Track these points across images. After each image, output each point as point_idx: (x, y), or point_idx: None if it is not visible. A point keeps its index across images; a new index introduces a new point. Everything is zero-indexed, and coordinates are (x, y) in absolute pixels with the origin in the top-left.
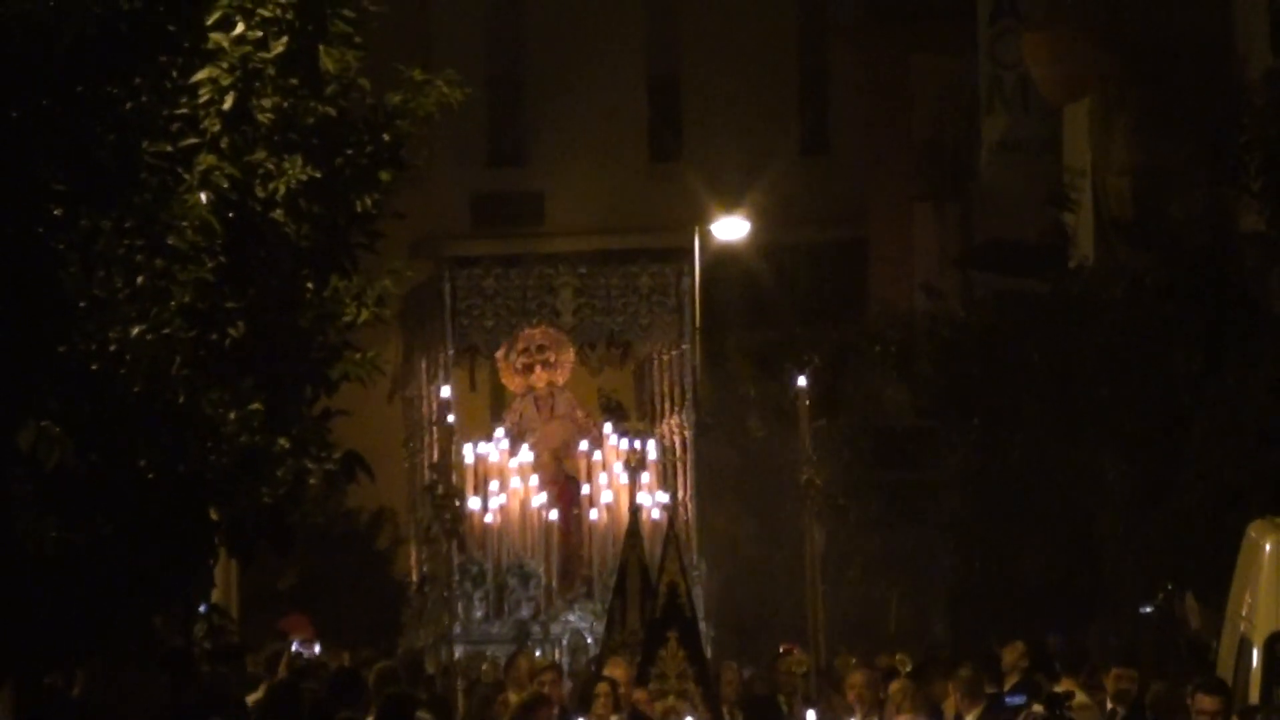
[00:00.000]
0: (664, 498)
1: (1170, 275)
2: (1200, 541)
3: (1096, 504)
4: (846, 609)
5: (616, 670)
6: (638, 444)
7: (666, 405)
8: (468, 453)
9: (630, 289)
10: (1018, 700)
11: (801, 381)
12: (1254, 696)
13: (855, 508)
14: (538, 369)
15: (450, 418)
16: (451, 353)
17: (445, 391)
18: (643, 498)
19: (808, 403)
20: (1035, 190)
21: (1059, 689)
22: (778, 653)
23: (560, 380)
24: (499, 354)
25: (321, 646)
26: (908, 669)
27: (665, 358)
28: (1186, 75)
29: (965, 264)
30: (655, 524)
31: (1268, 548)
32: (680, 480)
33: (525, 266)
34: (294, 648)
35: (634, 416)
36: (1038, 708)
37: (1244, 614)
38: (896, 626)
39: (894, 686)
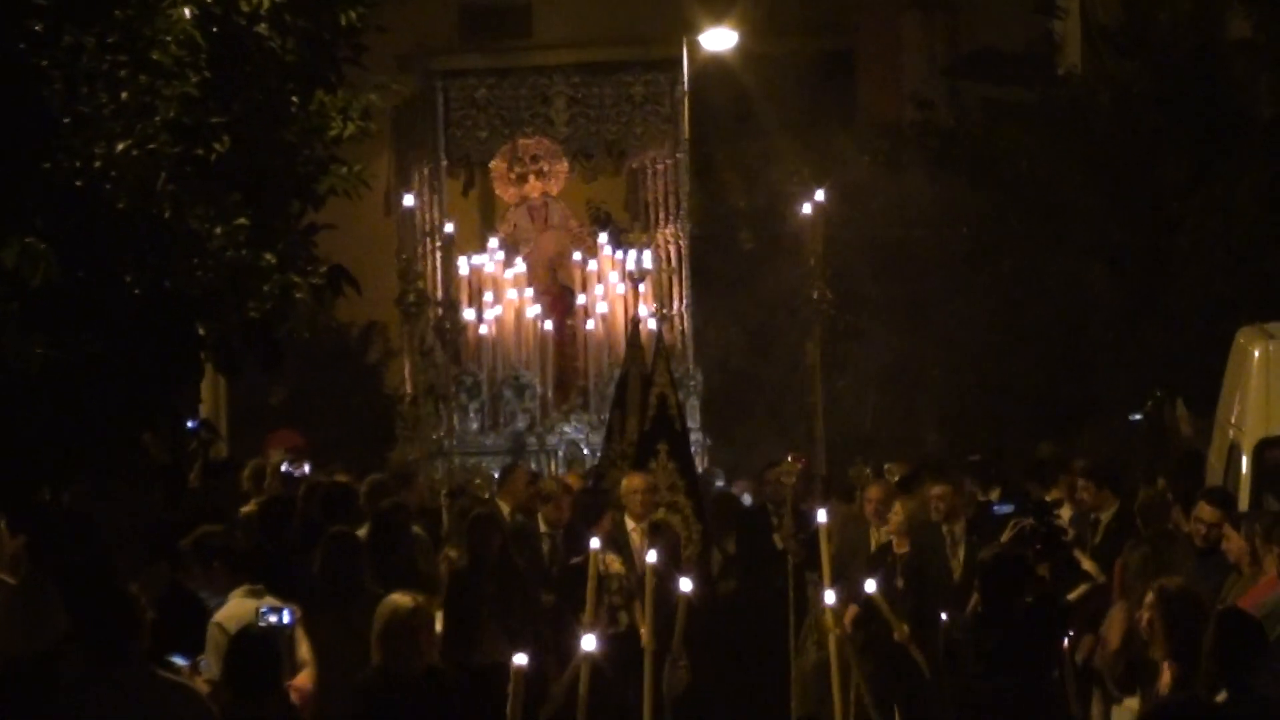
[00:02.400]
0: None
1: (1158, 83)
2: (1190, 349)
3: (1086, 313)
4: (838, 421)
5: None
6: (633, 254)
7: (660, 215)
8: (462, 264)
9: (624, 98)
10: (1006, 509)
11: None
12: (1244, 503)
13: (845, 318)
14: (531, 179)
15: (448, 227)
16: (444, 163)
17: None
18: (640, 309)
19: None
20: None
21: (1048, 498)
22: (768, 463)
23: (554, 190)
24: (492, 164)
25: (311, 465)
26: (896, 478)
27: (659, 167)
28: None
29: (953, 73)
30: (651, 334)
31: (1257, 355)
32: (676, 291)
33: (518, 76)
34: (283, 468)
35: (628, 226)
36: (1028, 521)
37: (1233, 421)
38: (889, 437)
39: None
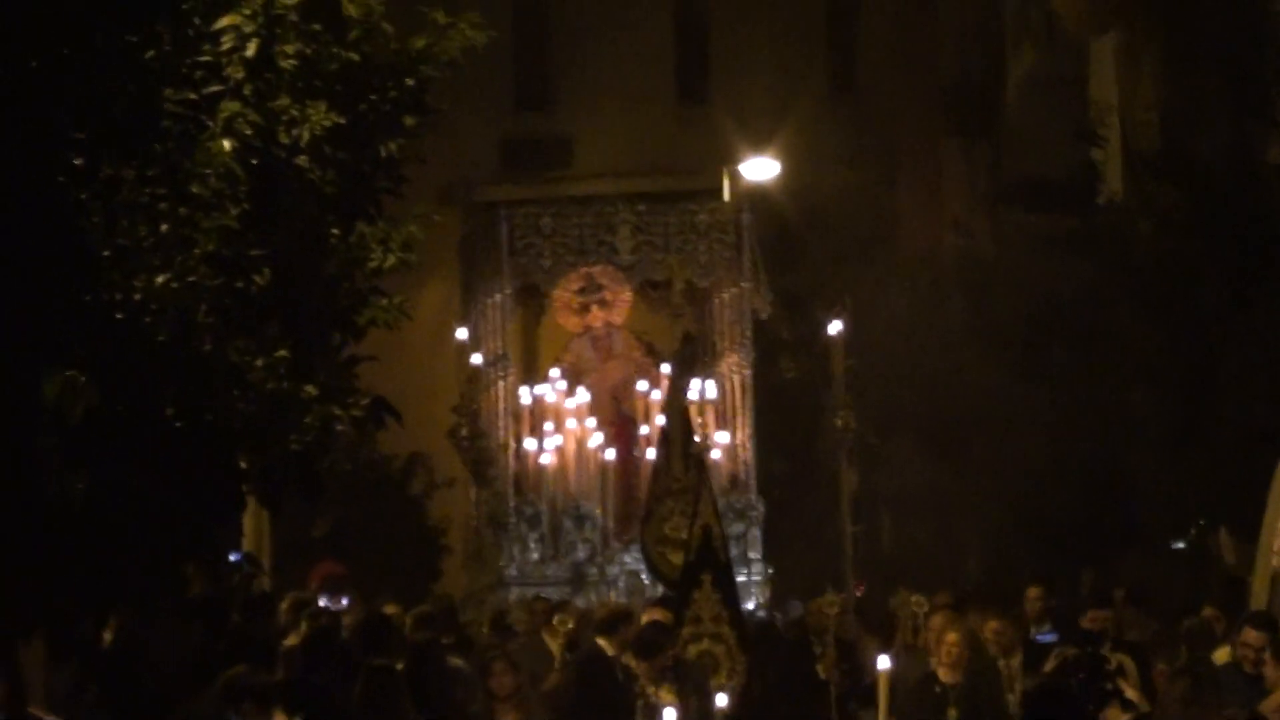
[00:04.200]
0: (723, 438)
1: (1199, 210)
2: (1232, 476)
3: (1127, 441)
4: (880, 548)
5: (656, 614)
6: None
7: (725, 345)
8: (524, 394)
9: (689, 226)
10: (1049, 638)
11: (837, 327)
12: None
13: (887, 447)
14: (594, 308)
15: (477, 359)
16: (509, 292)
17: (462, 334)
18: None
19: (841, 347)
20: (1063, 126)
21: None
22: (811, 594)
23: (617, 320)
24: (555, 293)
25: (350, 599)
26: (925, 610)
27: (725, 296)
28: (1213, 8)
29: (994, 201)
30: (715, 464)
31: None
32: (740, 420)
33: (582, 205)
34: (321, 602)
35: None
36: (1072, 650)
37: (1276, 549)
38: (930, 565)
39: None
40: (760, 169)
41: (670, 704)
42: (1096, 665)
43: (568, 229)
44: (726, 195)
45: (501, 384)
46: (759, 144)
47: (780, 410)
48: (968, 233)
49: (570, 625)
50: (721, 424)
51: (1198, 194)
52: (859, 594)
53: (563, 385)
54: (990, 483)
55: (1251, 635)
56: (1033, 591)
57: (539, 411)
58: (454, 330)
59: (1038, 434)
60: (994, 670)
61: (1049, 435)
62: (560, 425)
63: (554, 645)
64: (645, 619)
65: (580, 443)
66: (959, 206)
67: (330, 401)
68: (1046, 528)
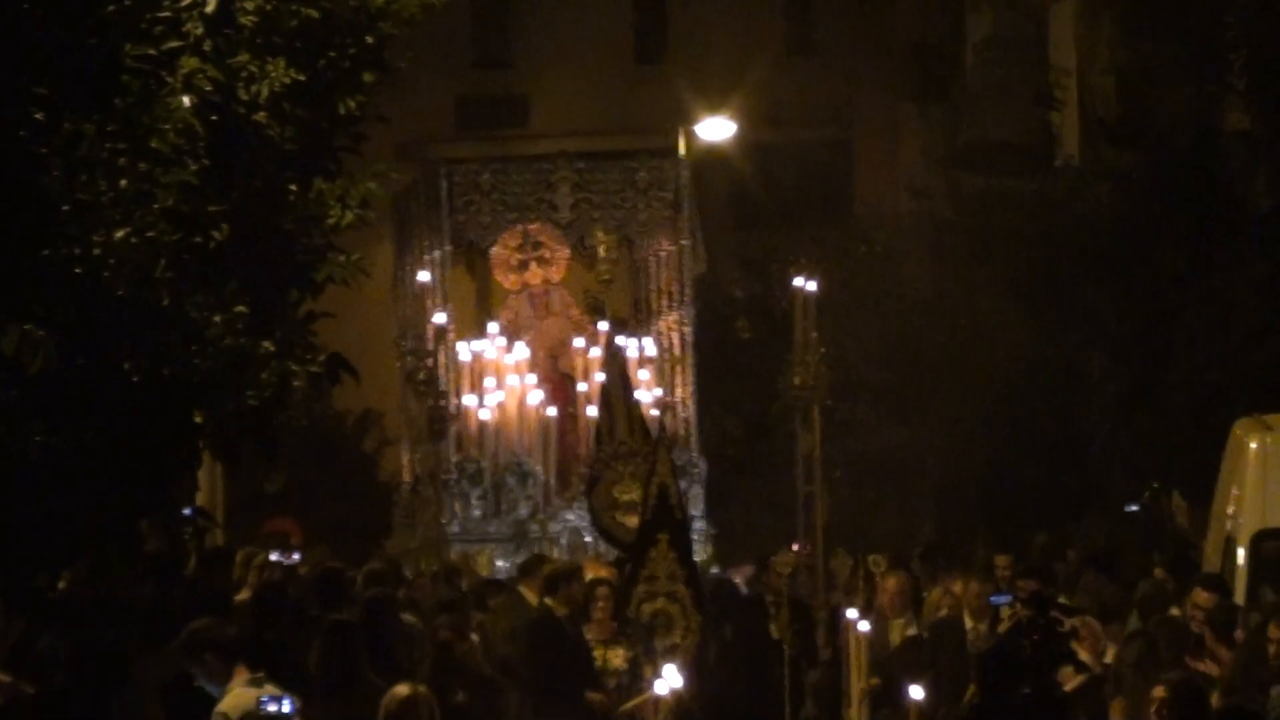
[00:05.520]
0: (654, 395)
1: (1156, 174)
2: (1187, 440)
3: (1083, 404)
4: (834, 510)
5: (602, 572)
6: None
7: (664, 302)
8: (462, 350)
9: (628, 184)
10: (1003, 600)
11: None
12: (1240, 595)
13: (842, 409)
14: (533, 265)
15: (440, 318)
16: (448, 249)
17: (423, 276)
18: (641, 395)
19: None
20: (1021, 90)
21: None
22: (765, 553)
23: (556, 277)
24: (493, 250)
25: (301, 555)
26: (882, 569)
27: (663, 254)
28: None
29: (951, 164)
30: (654, 421)
31: (1253, 446)
32: (678, 378)
33: (522, 163)
34: (273, 557)
35: (627, 316)
36: (1024, 611)
37: (1230, 513)
38: (884, 527)
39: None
40: (716, 129)
41: (619, 668)
42: (1050, 627)
43: (507, 186)
44: (683, 155)
45: (438, 341)
46: (715, 104)
47: (735, 369)
48: (925, 195)
49: None
50: (660, 381)
51: (1155, 158)
52: (805, 554)
53: (502, 342)
54: (945, 444)
55: (1202, 596)
56: (1001, 560)
57: (479, 368)
58: (399, 286)
59: (993, 396)
60: (959, 632)
61: (1004, 397)
62: (501, 382)
63: (533, 598)
64: (590, 577)
65: (520, 400)
66: (916, 168)
67: (287, 357)
68: (1001, 490)
